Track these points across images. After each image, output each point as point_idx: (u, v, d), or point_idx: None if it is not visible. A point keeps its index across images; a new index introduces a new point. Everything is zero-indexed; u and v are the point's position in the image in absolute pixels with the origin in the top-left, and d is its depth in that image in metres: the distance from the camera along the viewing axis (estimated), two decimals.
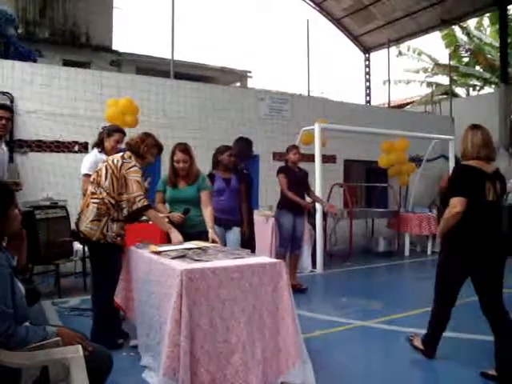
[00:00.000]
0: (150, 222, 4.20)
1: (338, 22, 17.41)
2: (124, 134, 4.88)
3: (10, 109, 4.89)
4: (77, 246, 6.56)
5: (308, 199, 6.81)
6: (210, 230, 4.24)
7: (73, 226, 5.41)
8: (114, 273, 4.04)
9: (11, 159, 6.95)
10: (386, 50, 14.69)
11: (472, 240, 3.63)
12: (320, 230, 8.18)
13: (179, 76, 10.28)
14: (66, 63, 11.73)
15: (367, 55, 17.92)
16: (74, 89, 8.17)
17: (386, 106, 15.07)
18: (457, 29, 18.01)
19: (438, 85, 19.15)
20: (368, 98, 17.54)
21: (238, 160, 5.75)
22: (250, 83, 17.08)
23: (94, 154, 4.93)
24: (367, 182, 12.41)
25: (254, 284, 3.14)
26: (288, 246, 6.65)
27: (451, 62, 16.09)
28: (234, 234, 5.46)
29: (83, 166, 4.89)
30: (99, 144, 4.94)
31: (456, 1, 14.47)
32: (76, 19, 13.41)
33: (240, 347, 2.98)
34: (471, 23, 18.30)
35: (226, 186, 5.43)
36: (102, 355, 2.47)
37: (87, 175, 4.67)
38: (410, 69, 19.57)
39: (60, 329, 2.41)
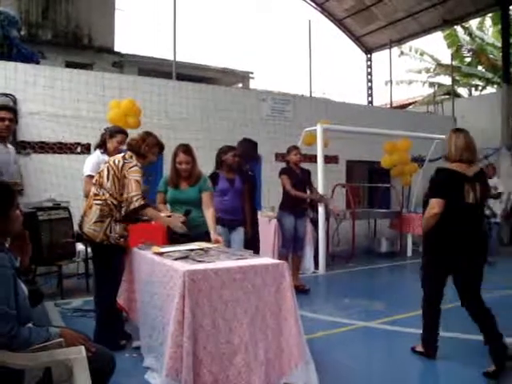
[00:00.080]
0: (153, 223, 4.20)
1: (339, 22, 17.40)
2: (126, 135, 4.89)
3: (13, 110, 4.88)
4: (79, 247, 6.58)
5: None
6: (212, 232, 4.24)
7: (75, 227, 5.44)
8: (117, 274, 4.04)
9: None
10: (387, 50, 14.66)
11: (451, 240, 3.76)
12: (322, 231, 8.18)
13: (181, 77, 10.30)
14: (69, 65, 11.76)
15: (369, 56, 17.90)
16: (77, 90, 8.19)
17: (388, 106, 15.05)
18: (459, 29, 17.99)
19: (440, 85, 19.12)
20: (370, 98, 17.53)
21: (243, 161, 5.76)
22: (252, 84, 17.08)
23: (96, 155, 4.95)
24: (370, 183, 12.41)
25: (256, 285, 3.13)
26: (290, 246, 6.66)
27: (453, 62, 16.06)
28: (239, 234, 5.47)
29: (85, 167, 4.90)
30: (101, 145, 4.95)
31: (458, 1, 14.44)
32: (78, 21, 13.42)
33: (243, 348, 2.98)
34: (473, 23, 18.28)
35: (229, 186, 5.44)
36: (105, 356, 2.47)
37: (89, 176, 4.68)
38: (412, 69, 19.55)
39: (63, 330, 2.42)
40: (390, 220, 10.75)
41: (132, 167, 3.98)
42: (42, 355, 2.15)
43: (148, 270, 3.58)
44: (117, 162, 4.04)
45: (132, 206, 3.88)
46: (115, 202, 3.98)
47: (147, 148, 4.13)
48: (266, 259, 3.56)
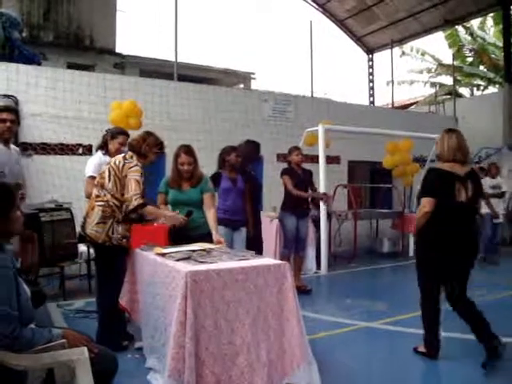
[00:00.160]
0: (155, 224, 4.20)
1: (341, 23, 17.40)
2: (128, 136, 4.89)
3: (14, 111, 4.87)
4: (82, 248, 6.58)
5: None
6: (213, 232, 4.25)
7: (78, 228, 5.44)
8: (119, 275, 4.05)
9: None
10: (389, 50, 14.67)
11: (442, 238, 3.83)
12: (324, 232, 8.18)
13: (183, 78, 10.30)
14: (70, 66, 11.76)
15: (370, 56, 17.90)
16: (78, 91, 8.20)
17: (390, 106, 15.05)
18: (460, 29, 17.99)
19: (441, 85, 19.11)
20: (372, 98, 17.52)
21: (246, 162, 5.78)
22: (254, 85, 17.08)
23: (98, 157, 4.95)
24: (371, 183, 12.40)
25: (258, 285, 3.13)
26: (292, 247, 6.66)
27: (455, 62, 16.04)
28: (241, 234, 5.48)
29: (87, 168, 4.90)
30: (103, 146, 4.96)
31: (459, 1, 14.43)
32: (80, 22, 13.44)
33: (245, 349, 2.98)
34: (474, 23, 18.28)
35: (232, 186, 5.46)
36: (108, 357, 2.48)
37: (91, 177, 4.69)
38: (413, 69, 19.57)
39: (65, 331, 2.42)
40: (391, 220, 10.74)
41: (132, 167, 3.99)
42: (45, 356, 2.15)
43: (150, 271, 3.58)
44: (117, 162, 4.05)
45: (131, 206, 3.88)
46: (117, 203, 3.99)
47: (148, 148, 4.13)
48: (267, 260, 3.56)
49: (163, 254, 3.53)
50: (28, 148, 7.71)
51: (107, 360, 2.45)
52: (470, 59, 19.00)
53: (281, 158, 9.71)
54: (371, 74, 17.81)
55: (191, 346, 2.81)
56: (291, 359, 3.13)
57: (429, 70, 19.40)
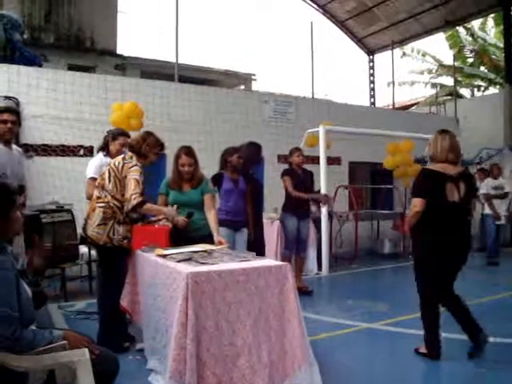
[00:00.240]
0: (156, 226, 4.21)
1: (341, 24, 17.40)
2: (129, 137, 4.90)
3: (15, 112, 4.87)
4: (83, 249, 6.58)
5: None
6: (215, 234, 4.25)
7: (79, 229, 5.44)
8: (120, 276, 4.05)
9: None
10: (390, 51, 14.69)
11: (436, 238, 3.90)
12: (325, 233, 8.17)
13: (183, 79, 10.30)
14: (71, 68, 11.79)
15: (371, 57, 17.90)
16: (79, 93, 8.21)
17: (391, 107, 15.05)
18: (461, 30, 18.00)
19: (442, 86, 19.12)
20: (372, 99, 17.52)
21: (249, 164, 5.79)
22: (254, 86, 17.10)
23: (99, 158, 4.96)
24: (372, 184, 12.40)
25: (259, 287, 3.13)
26: (293, 248, 6.66)
27: (455, 63, 16.04)
28: (242, 235, 5.49)
29: (88, 169, 4.91)
30: (104, 148, 4.96)
31: (460, 2, 14.44)
32: (81, 24, 13.46)
33: (246, 350, 2.98)
34: (475, 24, 18.29)
35: (234, 187, 5.46)
36: (109, 359, 2.48)
37: (92, 178, 4.70)
38: (414, 70, 19.58)
39: (66, 332, 2.42)
40: (392, 221, 10.73)
41: (132, 167, 3.99)
42: (46, 357, 2.15)
43: (151, 272, 3.59)
44: (117, 163, 4.06)
45: (130, 205, 3.87)
46: (118, 204, 3.99)
47: (148, 148, 4.14)
48: (268, 261, 3.56)
49: (164, 256, 3.53)
50: (29, 149, 7.71)
51: (108, 361, 2.45)
52: (470, 60, 19.01)
53: (281, 159, 9.70)
54: (372, 74, 17.82)
55: (192, 347, 2.81)
56: (292, 360, 3.12)
57: (429, 71, 19.41)
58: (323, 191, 7.93)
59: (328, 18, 17.25)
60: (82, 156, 8.06)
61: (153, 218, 4.37)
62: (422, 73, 19.36)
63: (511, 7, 13.83)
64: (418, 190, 3.95)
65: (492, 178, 9.07)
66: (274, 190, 7.00)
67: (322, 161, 8.26)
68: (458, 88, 17.63)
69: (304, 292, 6.24)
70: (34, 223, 5.88)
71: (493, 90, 18.35)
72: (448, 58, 18.36)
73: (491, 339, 4.02)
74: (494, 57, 17.67)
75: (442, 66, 18.80)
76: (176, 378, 2.81)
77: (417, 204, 3.88)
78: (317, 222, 8.00)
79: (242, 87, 16.87)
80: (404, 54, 18.58)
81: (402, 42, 17.02)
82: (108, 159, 4.71)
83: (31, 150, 7.74)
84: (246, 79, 17.03)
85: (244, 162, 5.60)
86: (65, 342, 2.26)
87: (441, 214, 3.88)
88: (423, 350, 4.05)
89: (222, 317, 2.98)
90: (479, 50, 18.14)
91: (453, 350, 4.08)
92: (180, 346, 2.83)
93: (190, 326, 2.83)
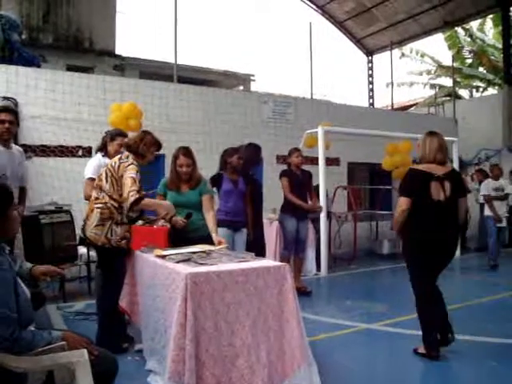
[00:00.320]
0: (155, 226, 4.20)
1: (340, 24, 17.43)
2: (127, 138, 4.89)
3: (13, 111, 4.85)
4: (81, 250, 6.57)
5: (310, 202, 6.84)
6: (213, 234, 4.25)
7: (77, 230, 5.43)
8: (119, 277, 4.05)
9: None
10: (388, 52, 14.69)
11: (422, 236, 3.99)
12: (324, 233, 8.17)
13: (182, 80, 10.30)
14: (70, 68, 11.78)
15: (370, 58, 17.92)
16: (78, 93, 8.20)
17: (390, 108, 15.06)
18: (460, 30, 18.02)
19: (441, 86, 19.14)
20: (371, 100, 17.54)
21: (248, 165, 5.79)
22: (253, 87, 17.10)
23: (97, 158, 4.95)
24: (371, 185, 12.41)
25: (258, 287, 3.13)
26: (292, 248, 6.66)
27: (454, 64, 16.06)
28: (242, 236, 5.49)
29: (87, 169, 4.90)
30: (103, 148, 4.96)
31: (458, 2, 14.46)
32: (79, 24, 13.46)
33: (245, 350, 2.98)
34: (474, 25, 18.31)
35: (233, 188, 5.46)
36: (108, 359, 2.47)
37: (90, 179, 4.69)
38: (413, 71, 19.61)
39: (65, 333, 2.41)
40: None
41: (128, 166, 3.97)
42: (45, 358, 2.14)
43: (150, 273, 3.58)
44: (113, 163, 4.06)
45: (128, 202, 3.85)
46: (115, 204, 3.98)
47: (145, 147, 4.13)
48: (267, 261, 3.56)
49: (163, 256, 3.53)
50: (27, 150, 7.69)
51: (107, 362, 2.45)
52: (469, 61, 19.05)
53: (280, 159, 9.71)
54: (371, 75, 17.84)
55: (191, 347, 2.81)
56: (291, 361, 3.12)
57: (428, 72, 19.43)
58: (322, 192, 7.94)
59: (327, 18, 17.28)
60: (80, 157, 8.05)
61: (151, 217, 4.37)
62: (420, 74, 19.39)
63: (510, 8, 13.86)
64: (404, 189, 4.08)
65: (492, 178, 8.94)
66: (273, 190, 7.00)
67: (321, 161, 8.26)
68: (456, 89, 17.67)
69: (303, 292, 6.24)
70: (33, 224, 5.91)
71: (491, 91, 18.38)
72: (447, 58, 18.43)
73: (492, 339, 4.04)
74: (492, 58, 17.70)
75: (440, 66, 18.83)
76: (175, 378, 2.81)
77: (402, 203, 4.00)
78: (315, 222, 8.00)
79: (241, 88, 16.87)
80: (403, 54, 18.61)
81: (400, 43, 17.05)
82: (106, 160, 4.71)
83: (30, 150, 7.72)
84: (245, 80, 17.03)
85: (244, 163, 5.60)
86: (64, 342, 2.25)
87: (427, 213, 3.97)
88: (422, 350, 4.06)
89: (220, 317, 2.98)
90: (478, 50, 18.17)
91: (451, 351, 4.09)
92: (179, 346, 2.83)
93: (189, 327, 2.82)
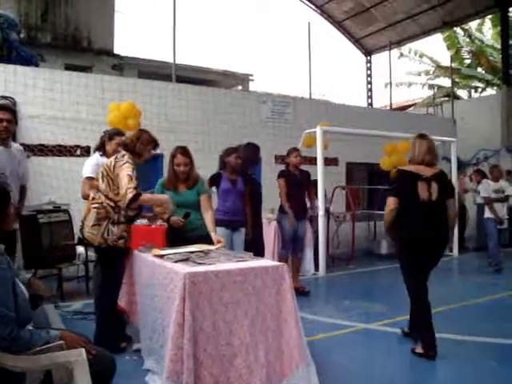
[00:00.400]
0: (153, 226, 4.20)
1: (339, 24, 17.43)
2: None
3: (11, 110, 4.82)
4: (79, 249, 6.57)
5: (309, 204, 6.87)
6: (212, 233, 4.24)
7: (76, 229, 5.42)
8: (117, 276, 4.04)
9: None
10: (387, 52, 14.69)
11: (410, 235, 4.10)
12: (322, 233, 8.17)
13: (181, 80, 10.30)
14: (68, 67, 11.75)
15: (369, 58, 17.93)
16: (76, 93, 8.19)
17: (388, 108, 15.06)
18: (458, 31, 18.04)
19: (439, 87, 19.16)
20: (370, 100, 17.55)
21: (247, 165, 5.80)
22: (252, 86, 17.11)
23: (95, 158, 4.94)
24: (369, 185, 12.41)
25: (256, 287, 3.13)
26: (290, 248, 6.66)
27: (453, 64, 16.08)
28: (240, 235, 5.49)
29: (85, 169, 4.89)
30: (101, 147, 4.95)
31: (457, 3, 14.48)
32: (78, 23, 13.43)
33: (243, 350, 2.98)
34: (473, 25, 18.32)
35: (232, 187, 5.47)
36: (106, 359, 2.47)
37: (88, 178, 4.69)
38: (411, 71, 19.62)
39: (63, 332, 2.41)
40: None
41: (123, 164, 3.96)
42: (43, 358, 2.14)
43: (148, 273, 3.58)
44: (109, 163, 4.06)
45: (127, 199, 3.83)
46: (112, 204, 3.97)
47: (142, 146, 4.12)
48: (266, 261, 3.57)
49: (161, 256, 3.53)
50: (26, 149, 7.65)
51: (105, 361, 2.44)
52: (468, 61, 19.06)
53: (279, 159, 9.70)
54: (369, 75, 17.85)
55: (189, 347, 2.81)
56: (289, 360, 3.12)
57: (427, 72, 19.44)
58: (320, 191, 7.95)
59: (325, 18, 17.28)
60: (78, 156, 8.03)
61: (148, 214, 4.36)
62: (419, 74, 19.40)
63: (508, 8, 13.88)
64: (391, 189, 4.21)
65: (492, 180, 8.83)
66: (271, 190, 6.99)
67: (320, 161, 8.26)
68: (455, 89, 17.68)
69: (301, 292, 6.24)
70: (31, 223, 5.90)
71: (490, 91, 18.40)
72: (445, 59, 18.45)
73: (490, 339, 4.05)
74: (491, 58, 17.72)
75: (439, 67, 18.85)
76: (173, 378, 2.80)
77: (390, 203, 4.12)
78: (313, 222, 8.01)
79: (240, 87, 16.87)
80: (401, 54, 18.62)
81: (399, 43, 17.06)
82: (104, 159, 4.69)
83: (28, 150, 7.68)
84: (244, 79, 17.03)
85: (242, 163, 5.60)
86: (62, 342, 2.25)
87: (414, 213, 4.07)
88: (420, 349, 4.06)
89: (219, 317, 2.98)
90: (476, 51, 18.19)
91: (449, 350, 4.10)
92: (177, 346, 2.82)
93: (187, 327, 2.82)
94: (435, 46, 19.52)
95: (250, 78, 17.15)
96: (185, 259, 3.36)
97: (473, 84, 19.57)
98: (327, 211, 8.76)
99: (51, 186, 7.68)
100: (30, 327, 2.37)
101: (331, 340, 4.64)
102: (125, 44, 18.60)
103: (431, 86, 19.13)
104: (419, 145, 4.23)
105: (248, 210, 5.67)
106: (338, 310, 5.72)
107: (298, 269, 6.84)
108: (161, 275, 3.30)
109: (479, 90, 19.50)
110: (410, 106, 19.87)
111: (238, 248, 5.22)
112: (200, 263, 3.24)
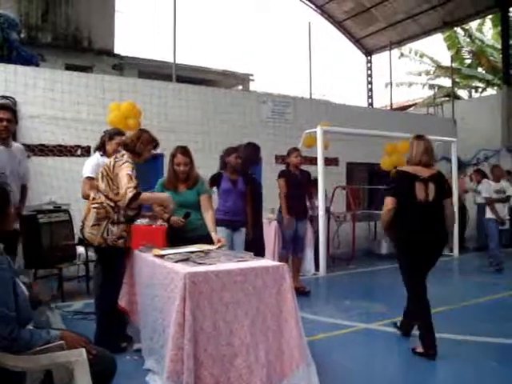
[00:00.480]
0: (154, 226, 4.20)
1: (339, 24, 17.43)
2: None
3: (11, 109, 4.81)
4: (80, 249, 6.57)
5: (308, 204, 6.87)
6: (212, 233, 4.24)
7: (76, 229, 5.42)
8: (118, 276, 4.04)
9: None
10: (387, 52, 14.68)
11: (408, 236, 4.13)
12: (323, 233, 8.17)
13: (181, 79, 10.30)
14: (69, 67, 11.76)
15: (369, 58, 17.93)
16: (77, 93, 8.19)
17: (389, 108, 15.06)
18: (459, 31, 18.03)
19: (440, 87, 19.15)
20: (370, 100, 17.54)
21: (248, 165, 5.80)
22: (252, 86, 17.10)
23: (95, 158, 4.94)
24: (370, 185, 12.40)
25: (257, 287, 3.13)
26: (290, 248, 6.65)
27: (453, 64, 16.07)
28: (241, 235, 5.49)
29: (85, 168, 4.89)
30: (101, 147, 4.95)
31: (458, 3, 14.47)
32: (78, 23, 13.43)
33: (243, 350, 2.98)
34: (473, 25, 18.31)
35: (232, 187, 5.47)
36: (106, 359, 2.47)
37: (89, 178, 4.69)
38: (412, 71, 19.60)
39: (64, 332, 2.41)
40: None
41: (122, 163, 3.95)
42: (43, 358, 2.14)
43: (149, 273, 3.58)
44: (109, 163, 4.06)
45: (127, 199, 3.82)
46: (111, 204, 3.96)
47: (142, 146, 4.11)
48: (266, 261, 3.56)
49: (162, 256, 3.53)
50: (26, 149, 7.67)
51: (106, 361, 2.44)
52: (468, 61, 19.05)
53: (279, 159, 9.70)
54: (370, 75, 17.84)
55: (190, 347, 2.80)
56: (290, 360, 3.12)
57: (427, 72, 19.43)
58: (321, 191, 7.95)
59: (326, 18, 17.28)
60: (79, 156, 8.03)
61: (148, 213, 4.35)
62: (419, 74, 19.39)
63: (509, 8, 13.87)
64: (389, 189, 4.25)
65: (493, 180, 8.79)
66: (272, 190, 6.99)
67: (320, 161, 8.26)
68: (455, 89, 17.67)
69: (301, 292, 6.24)
70: (31, 223, 5.90)
71: (490, 91, 18.39)
72: (446, 59, 18.43)
73: (491, 339, 4.04)
74: (491, 58, 17.71)
75: (439, 67, 18.83)
76: (173, 378, 2.80)
77: (388, 203, 4.15)
78: (313, 222, 8.01)
79: (240, 87, 16.87)
80: (402, 54, 18.61)
81: (399, 43, 17.05)
82: (105, 159, 4.70)
83: (28, 150, 7.66)
84: (244, 79, 17.03)
85: (243, 163, 5.60)
86: (62, 341, 2.25)
87: (412, 213, 4.10)
88: (420, 349, 4.06)
89: (219, 317, 2.97)
90: (477, 51, 18.18)
91: (449, 350, 4.09)
92: (177, 346, 2.82)
93: (188, 326, 2.82)
94: (435, 46, 19.56)
95: (250, 77, 17.15)
96: (185, 259, 3.36)
97: (473, 84, 19.56)
98: (327, 211, 8.77)
99: (51, 186, 7.68)
100: (30, 327, 2.37)
101: (331, 340, 4.63)
102: (125, 44, 18.59)
103: (431, 86, 19.12)
104: (416, 146, 4.26)
105: (248, 210, 5.67)
106: (338, 310, 5.72)
107: (298, 269, 6.84)
108: (161, 275, 3.30)
109: (479, 90, 19.50)
110: (410, 106, 19.85)
111: (238, 248, 5.22)
112: (200, 263, 3.24)
